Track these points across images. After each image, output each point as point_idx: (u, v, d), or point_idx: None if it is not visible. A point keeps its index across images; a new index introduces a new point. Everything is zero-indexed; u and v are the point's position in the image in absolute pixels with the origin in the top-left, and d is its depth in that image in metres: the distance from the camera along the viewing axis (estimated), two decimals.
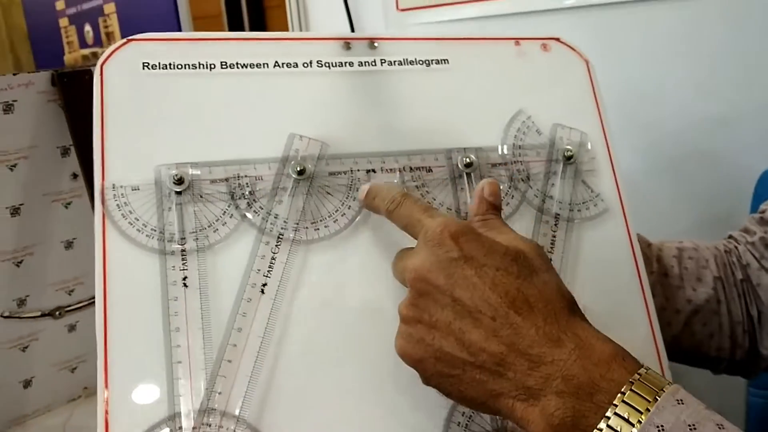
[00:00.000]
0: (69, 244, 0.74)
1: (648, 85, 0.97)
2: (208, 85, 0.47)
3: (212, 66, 0.47)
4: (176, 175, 0.44)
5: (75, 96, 0.68)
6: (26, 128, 0.68)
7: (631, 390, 0.34)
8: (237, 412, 0.41)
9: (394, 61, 0.52)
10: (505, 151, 0.52)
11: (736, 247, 0.60)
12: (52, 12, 2.23)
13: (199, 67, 0.47)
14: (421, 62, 0.52)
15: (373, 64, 0.51)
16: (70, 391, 0.78)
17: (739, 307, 0.58)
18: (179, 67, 0.47)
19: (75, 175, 0.73)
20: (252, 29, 1.65)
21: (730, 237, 0.62)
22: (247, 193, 0.45)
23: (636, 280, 0.52)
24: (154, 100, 0.45)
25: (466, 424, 0.45)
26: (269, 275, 0.44)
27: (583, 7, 0.99)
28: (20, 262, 0.71)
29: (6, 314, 0.71)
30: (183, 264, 0.43)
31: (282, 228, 0.45)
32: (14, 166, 0.68)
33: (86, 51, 2.09)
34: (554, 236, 0.51)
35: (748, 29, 0.88)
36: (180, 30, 1.70)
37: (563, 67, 0.56)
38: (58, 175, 0.72)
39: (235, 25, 1.66)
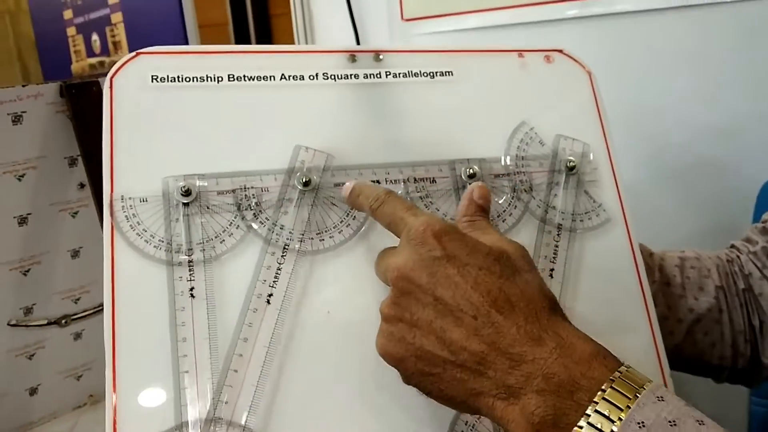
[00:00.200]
0: (75, 253, 0.75)
1: (651, 96, 0.97)
2: (215, 98, 0.47)
3: (220, 79, 0.48)
4: (184, 186, 0.44)
5: (83, 107, 0.69)
6: (34, 139, 0.69)
7: (611, 387, 0.34)
8: (243, 422, 0.41)
9: (399, 74, 0.52)
10: (508, 162, 0.52)
11: (738, 257, 0.60)
12: (59, 21, 2.25)
13: (207, 80, 0.48)
14: (425, 74, 0.53)
15: (379, 76, 0.52)
16: (76, 398, 0.78)
17: (741, 316, 0.58)
18: (187, 79, 0.47)
19: (82, 185, 0.73)
20: (258, 37, 1.66)
21: (733, 246, 0.62)
22: (253, 204, 0.46)
23: (638, 290, 0.52)
24: (163, 113, 0.46)
25: None
26: (275, 285, 0.44)
27: (586, 17, 0.99)
28: (27, 271, 0.71)
29: (13, 322, 0.71)
30: (190, 275, 0.43)
31: (288, 239, 0.46)
32: (22, 176, 0.69)
33: (93, 60, 2.10)
34: (557, 246, 0.51)
35: (752, 40, 0.88)
36: (186, 38, 1.71)
37: (566, 78, 0.57)
38: (66, 185, 0.73)
39: (241, 33, 1.67)
